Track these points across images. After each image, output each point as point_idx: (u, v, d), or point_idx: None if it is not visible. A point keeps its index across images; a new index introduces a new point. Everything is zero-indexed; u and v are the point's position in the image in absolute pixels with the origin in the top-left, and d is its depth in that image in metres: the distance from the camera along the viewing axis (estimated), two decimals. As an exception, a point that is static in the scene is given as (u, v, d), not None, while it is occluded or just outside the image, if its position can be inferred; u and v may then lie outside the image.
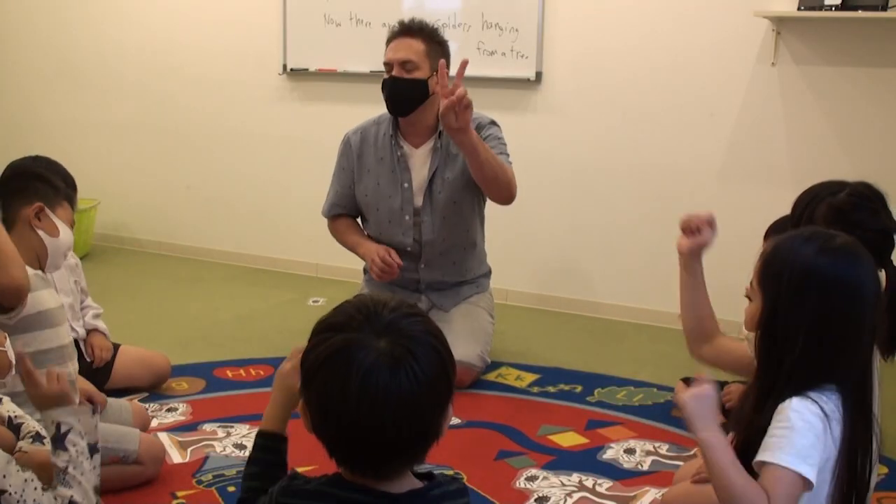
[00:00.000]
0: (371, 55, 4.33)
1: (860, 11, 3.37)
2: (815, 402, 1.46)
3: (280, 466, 1.44)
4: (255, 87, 4.70)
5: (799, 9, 3.50)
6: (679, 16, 3.80)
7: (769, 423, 1.47)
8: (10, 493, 1.70)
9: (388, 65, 3.08)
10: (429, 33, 3.08)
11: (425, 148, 3.17)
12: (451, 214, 3.20)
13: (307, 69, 4.52)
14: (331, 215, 3.36)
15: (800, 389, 1.47)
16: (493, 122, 3.21)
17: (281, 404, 1.46)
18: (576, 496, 2.37)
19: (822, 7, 3.43)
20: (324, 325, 1.22)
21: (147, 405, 2.87)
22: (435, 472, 1.29)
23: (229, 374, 3.20)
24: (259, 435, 1.46)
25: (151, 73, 4.96)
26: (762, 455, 1.45)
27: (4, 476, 1.69)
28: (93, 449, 1.86)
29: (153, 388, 3.02)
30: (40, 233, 2.27)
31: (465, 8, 4.11)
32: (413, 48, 3.04)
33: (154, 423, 2.76)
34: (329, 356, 1.16)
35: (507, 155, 3.18)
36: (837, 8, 3.40)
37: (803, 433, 1.43)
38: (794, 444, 1.43)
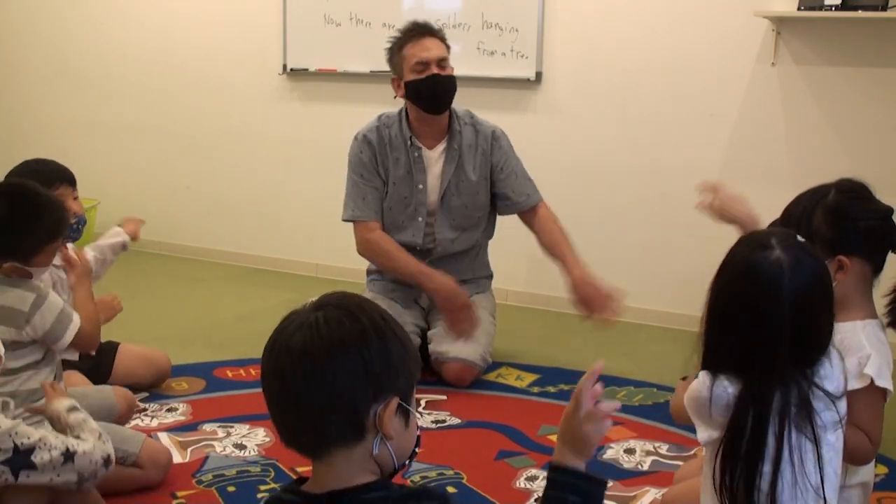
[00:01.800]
0: (371, 55, 4.33)
1: (860, 11, 3.38)
2: (712, 380, 1.54)
3: None
4: (255, 87, 4.70)
5: (799, 9, 3.50)
6: (679, 16, 3.80)
7: None
8: (39, 447, 1.78)
9: (421, 64, 3.05)
10: (441, 34, 3.15)
11: (438, 149, 3.18)
12: (462, 219, 3.23)
13: (307, 69, 4.52)
14: (360, 220, 3.19)
15: (714, 368, 1.56)
16: (502, 133, 3.27)
17: None
18: (576, 496, 2.36)
19: (822, 7, 3.43)
20: None
21: (147, 405, 2.88)
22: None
23: (229, 374, 3.20)
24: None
25: (151, 73, 4.96)
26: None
27: (17, 435, 1.76)
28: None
29: (154, 386, 3.02)
30: (12, 276, 2.20)
31: (465, 8, 4.11)
32: (441, 46, 3.09)
33: (154, 423, 2.76)
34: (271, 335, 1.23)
35: (529, 179, 3.31)
36: (837, 8, 3.40)
37: (692, 400, 1.58)
38: (687, 401, 1.60)
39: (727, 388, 1.51)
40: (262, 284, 4.51)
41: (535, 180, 4.02)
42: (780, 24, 3.62)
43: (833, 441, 1.54)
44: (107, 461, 1.90)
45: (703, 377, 1.55)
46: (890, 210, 2.03)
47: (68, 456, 1.82)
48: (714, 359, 1.57)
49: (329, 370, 1.16)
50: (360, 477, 1.20)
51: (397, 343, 1.22)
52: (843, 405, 1.56)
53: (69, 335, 2.24)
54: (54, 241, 2.22)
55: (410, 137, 3.16)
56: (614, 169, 4.01)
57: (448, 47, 3.14)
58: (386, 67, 4.26)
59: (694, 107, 3.83)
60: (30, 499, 1.89)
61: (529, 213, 3.29)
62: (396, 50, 3.11)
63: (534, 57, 4.03)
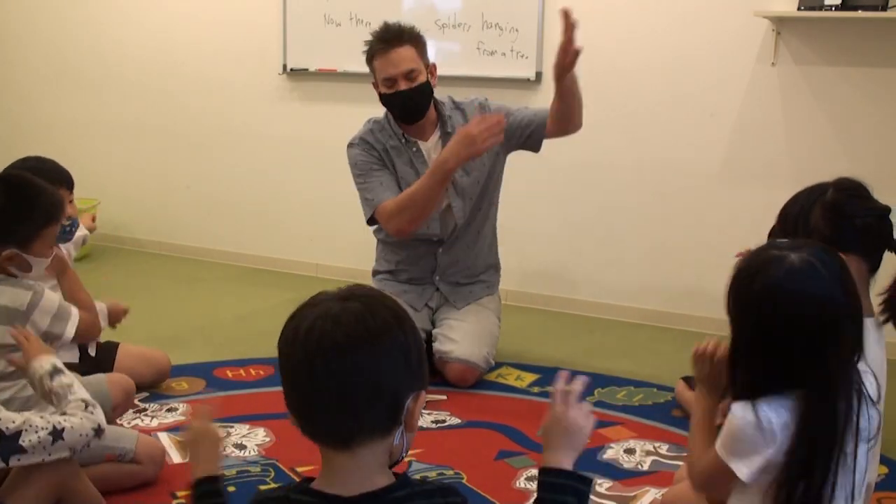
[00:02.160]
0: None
1: (860, 11, 3.38)
2: (754, 409, 1.46)
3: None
4: (255, 87, 4.70)
5: (799, 9, 3.50)
6: (679, 16, 3.80)
7: None
8: (25, 430, 1.79)
9: (388, 80, 3.03)
10: (411, 36, 3.06)
11: (433, 139, 3.19)
12: (477, 196, 3.22)
13: (307, 69, 4.52)
14: (382, 203, 3.08)
15: (754, 396, 1.47)
16: (486, 99, 3.23)
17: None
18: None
19: (822, 7, 3.43)
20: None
21: (147, 405, 2.88)
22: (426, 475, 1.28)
23: (229, 374, 3.20)
24: (197, 485, 1.45)
25: (152, 72, 4.96)
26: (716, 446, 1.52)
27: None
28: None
29: (154, 386, 3.02)
30: (12, 268, 2.21)
31: (465, 8, 4.11)
32: (409, 56, 3.02)
33: (154, 423, 2.76)
34: (287, 322, 1.24)
35: (528, 109, 3.22)
36: (837, 8, 3.40)
37: (738, 436, 1.47)
38: (724, 440, 1.50)
39: (776, 411, 1.46)
40: (262, 284, 4.51)
41: (535, 179, 4.04)
42: (780, 24, 3.62)
43: (865, 448, 1.52)
44: (97, 430, 1.90)
45: (743, 410, 1.47)
46: (887, 209, 2.03)
47: (57, 434, 1.82)
48: (754, 386, 1.49)
49: (375, 359, 1.18)
50: (380, 472, 1.22)
51: (420, 336, 1.26)
52: (875, 413, 1.53)
53: (71, 328, 2.24)
54: (49, 224, 2.22)
55: (403, 134, 3.16)
56: (614, 169, 4.00)
57: (420, 48, 3.06)
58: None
59: (694, 107, 3.83)
60: (34, 494, 1.90)
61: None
62: (369, 59, 3.09)
63: (534, 57, 4.03)
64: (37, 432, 1.80)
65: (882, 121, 3.56)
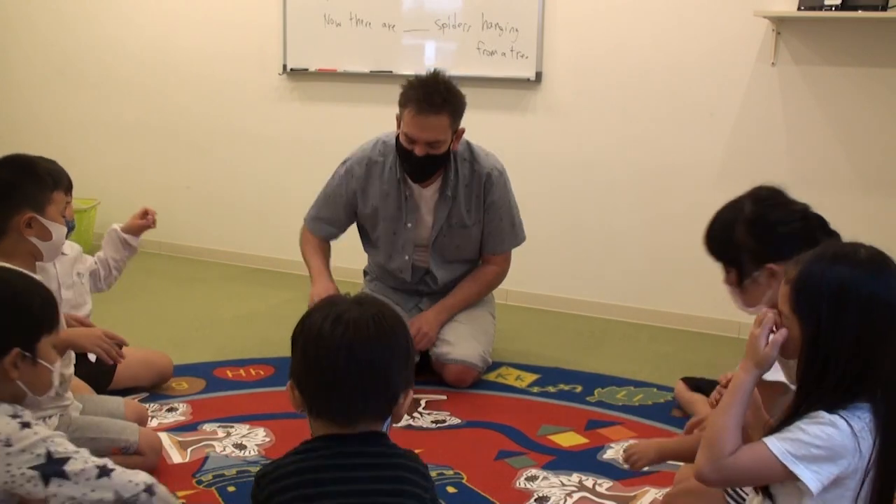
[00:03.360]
0: (371, 55, 4.34)
1: (860, 11, 3.37)
2: (844, 418, 1.45)
3: None
4: (255, 87, 4.70)
5: (799, 9, 3.50)
6: (679, 16, 3.80)
7: None
8: (73, 458, 1.72)
9: (409, 139, 2.91)
10: (453, 103, 2.90)
11: (432, 188, 3.10)
12: (455, 257, 3.22)
13: (307, 69, 4.52)
14: (309, 228, 3.30)
15: (833, 407, 1.47)
16: (500, 174, 3.13)
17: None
18: (576, 496, 2.37)
19: (822, 7, 3.43)
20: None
21: (147, 405, 2.87)
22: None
23: (229, 374, 3.20)
24: None
25: (151, 72, 4.96)
26: (769, 440, 1.48)
27: (52, 443, 1.71)
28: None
29: (155, 388, 3.02)
30: (33, 239, 2.28)
31: (465, 8, 4.11)
32: (441, 126, 2.88)
33: (154, 423, 2.75)
34: (304, 318, 1.44)
35: (516, 214, 3.21)
36: (837, 8, 3.40)
37: (820, 439, 1.44)
38: (800, 440, 1.45)
39: (856, 420, 1.46)
40: (262, 284, 4.51)
41: (535, 180, 4.03)
42: (780, 24, 3.62)
43: None
44: (149, 488, 1.76)
45: (833, 418, 1.46)
46: (806, 208, 2.04)
47: (104, 472, 1.72)
48: (840, 394, 1.48)
49: (387, 356, 1.40)
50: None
51: (413, 342, 1.51)
52: None
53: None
54: (58, 188, 2.37)
55: (401, 179, 3.07)
56: (614, 169, 4.01)
57: (456, 115, 2.93)
58: (386, 67, 4.29)
59: (694, 107, 3.83)
60: None
61: (487, 257, 3.27)
62: (402, 102, 2.92)
63: (534, 57, 4.03)
64: (85, 462, 1.72)
65: (882, 121, 3.56)
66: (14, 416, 1.71)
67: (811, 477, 1.44)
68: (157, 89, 4.96)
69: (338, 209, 3.21)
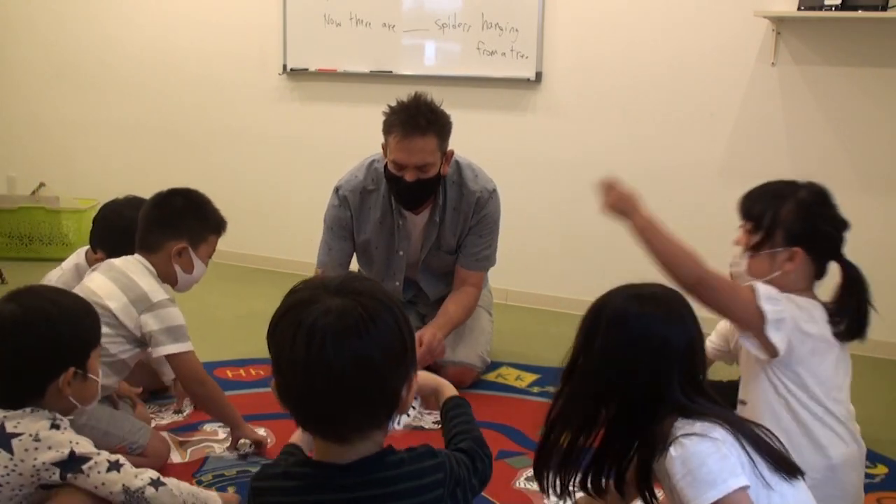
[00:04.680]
0: (371, 55, 4.34)
1: (860, 11, 3.38)
2: (699, 434, 1.48)
3: None
4: (255, 87, 4.70)
5: (799, 9, 3.50)
6: (679, 16, 3.80)
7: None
8: (96, 462, 1.85)
9: (397, 165, 2.84)
10: (438, 124, 2.82)
11: (424, 214, 3.06)
12: (444, 271, 3.19)
13: (307, 69, 4.52)
14: (318, 266, 3.17)
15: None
16: (490, 197, 3.05)
17: None
18: (576, 496, 2.36)
19: (822, 7, 3.43)
20: (287, 294, 1.29)
21: (147, 405, 2.87)
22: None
23: (229, 374, 3.20)
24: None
25: (151, 72, 4.96)
26: None
27: (77, 445, 1.84)
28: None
29: (158, 386, 3.01)
30: (176, 267, 2.52)
31: (465, 8, 4.11)
32: (428, 148, 2.80)
33: (154, 423, 2.75)
34: (281, 314, 1.25)
35: (497, 236, 3.11)
36: (837, 8, 3.40)
37: (704, 462, 1.45)
38: (703, 478, 1.45)
39: (706, 429, 1.53)
40: (262, 284, 4.51)
41: (535, 180, 4.03)
42: (780, 24, 3.62)
43: None
44: (155, 480, 1.91)
45: (691, 445, 1.50)
46: (847, 224, 2.09)
47: (114, 466, 1.86)
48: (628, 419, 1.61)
49: (377, 367, 1.21)
50: (373, 448, 1.29)
51: (409, 321, 1.31)
52: None
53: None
54: (218, 232, 2.60)
55: (395, 208, 3.02)
56: (614, 169, 3.96)
57: (443, 136, 2.85)
58: (385, 67, 4.29)
59: (694, 107, 3.83)
60: None
61: (463, 274, 3.12)
62: (386, 129, 2.84)
63: (534, 57, 4.03)
64: (99, 456, 1.85)
65: (882, 121, 3.56)
66: (51, 421, 1.83)
67: (737, 481, 1.45)
68: (158, 89, 4.96)
69: (344, 234, 3.10)
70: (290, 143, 4.68)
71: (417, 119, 2.77)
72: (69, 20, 5.16)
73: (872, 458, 2.46)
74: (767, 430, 1.57)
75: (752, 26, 3.65)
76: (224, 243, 5.31)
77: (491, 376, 3.23)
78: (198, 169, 4.97)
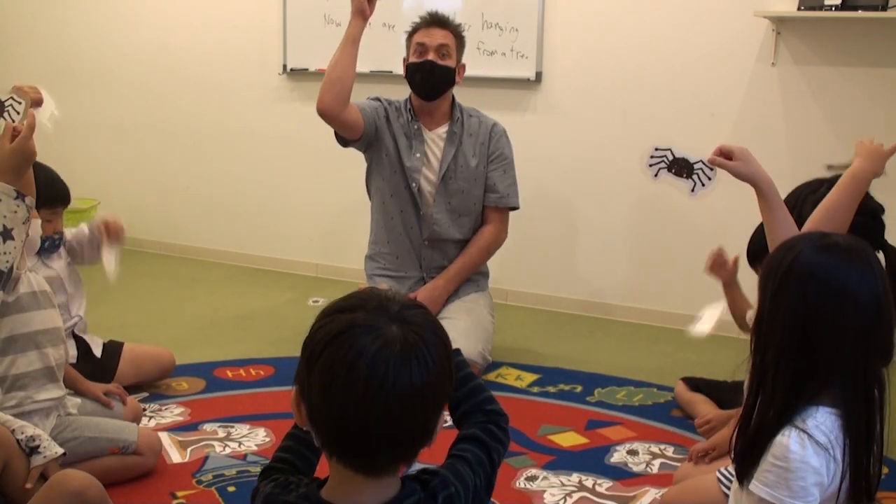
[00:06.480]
0: (371, 55, 4.33)
1: (860, 11, 3.37)
2: (811, 436, 1.40)
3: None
4: (255, 87, 4.70)
5: (799, 9, 3.50)
6: (679, 16, 3.80)
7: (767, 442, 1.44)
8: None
9: (422, 47, 3.20)
10: (456, 28, 3.27)
11: (439, 131, 3.31)
12: (459, 203, 3.31)
13: (307, 69, 4.52)
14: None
15: (790, 410, 1.41)
16: (503, 130, 3.40)
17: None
18: (576, 496, 2.37)
19: (822, 7, 3.43)
20: (332, 308, 1.17)
21: (147, 405, 2.88)
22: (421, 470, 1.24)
23: (229, 374, 3.20)
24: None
25: (151, 73, 4.96)
26: (758, 488, 1.43)
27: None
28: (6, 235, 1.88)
29: (159, 380, 3.04)
30: None
31: (465, 8, 4.11)
32: (448, 38, 3.22)
33: (153, 423, 2.76)
34: (336, 335, 1.12)
35: (515, 175, 3.38)
36: (837, 8, 3.40)
37: (799, 475, 1.40)
38: (790, 485, 1.40)
39: (821, 433, 1.44)
40: (262, 284, 4.51)
41: (535, 180, 4.03)
42: (780, 24, 3.62)
43: None
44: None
45: (797, 444, 1.42)
46: (879, 208, 2.03)
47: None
48: (788, 386, 1.45)
49: (430, 406, 1.15)
50: (394, 483, 1.19)
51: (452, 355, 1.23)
52: None
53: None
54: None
55: (412, 113, 3.29)
56: (614, 169, 4.00)
57: (459, 42, 3.27)
58: (386, 67, 4.29)
59: (694, 107, 3.83)
60: None
61: (492, 213, 3.38)
62: (411, 32, 3.27)
63: (534, 57, 4.03)
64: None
65: (882, 121, 3.56)
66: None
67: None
68: (157, 89, 4.96)
69: (375, 113, 3.26)
70: (290, 143, 4.68)
71: (438, 16, 3.25)
72: (69, 21, 5.15)
73: (872, 457, 2.46)
74: (880, 438, 1.47)
75: (752, 26, 3.65)
76: (224, 243, 5.33)
77: (491, 376, 3.23)
78: (198, 169, 4.97)
